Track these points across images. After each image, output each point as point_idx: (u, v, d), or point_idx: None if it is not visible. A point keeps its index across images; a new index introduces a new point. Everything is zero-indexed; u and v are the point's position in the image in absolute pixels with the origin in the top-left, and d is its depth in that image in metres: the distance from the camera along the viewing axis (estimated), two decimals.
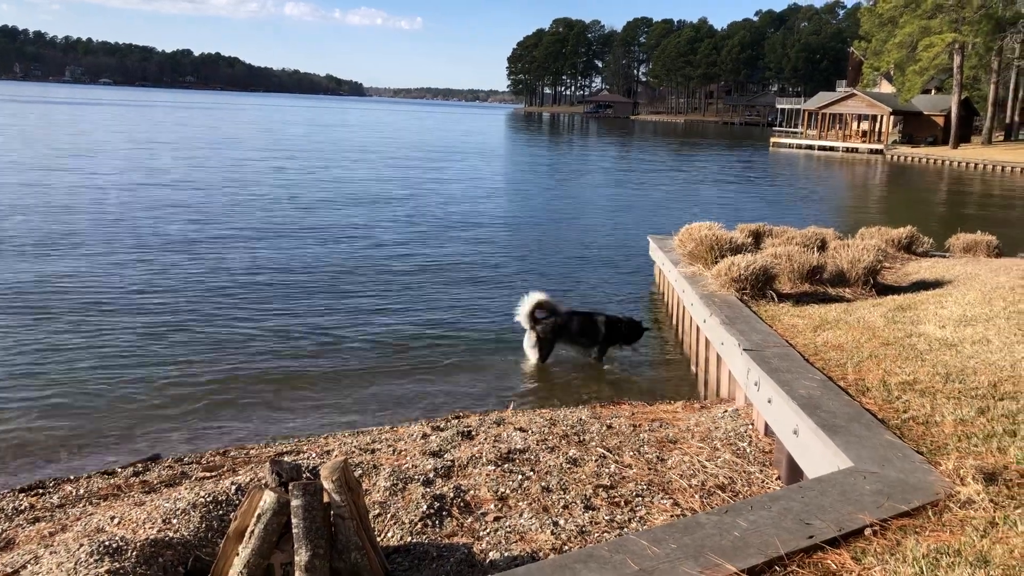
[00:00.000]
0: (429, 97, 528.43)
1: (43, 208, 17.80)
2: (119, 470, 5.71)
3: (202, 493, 4.37)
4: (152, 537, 3.81)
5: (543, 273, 13.68)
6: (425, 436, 5.76)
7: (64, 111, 76.34)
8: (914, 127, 66.77)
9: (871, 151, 61.72)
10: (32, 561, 3.66)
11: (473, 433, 5.69)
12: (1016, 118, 67.23)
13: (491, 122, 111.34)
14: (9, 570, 3.64)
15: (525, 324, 8.64)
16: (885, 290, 8.93)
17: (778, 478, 4.84)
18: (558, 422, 5.91)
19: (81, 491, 5.24)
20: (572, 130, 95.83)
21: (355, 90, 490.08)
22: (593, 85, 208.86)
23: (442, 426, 6.14)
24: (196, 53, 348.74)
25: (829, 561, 3.03)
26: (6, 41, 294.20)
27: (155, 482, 5.35)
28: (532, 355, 8.74)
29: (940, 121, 65.16)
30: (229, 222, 17.28)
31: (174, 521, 4.09)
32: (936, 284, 9.14)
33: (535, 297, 8.60)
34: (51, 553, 3.67)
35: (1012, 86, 65.43)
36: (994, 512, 3.32)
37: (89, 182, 22.97)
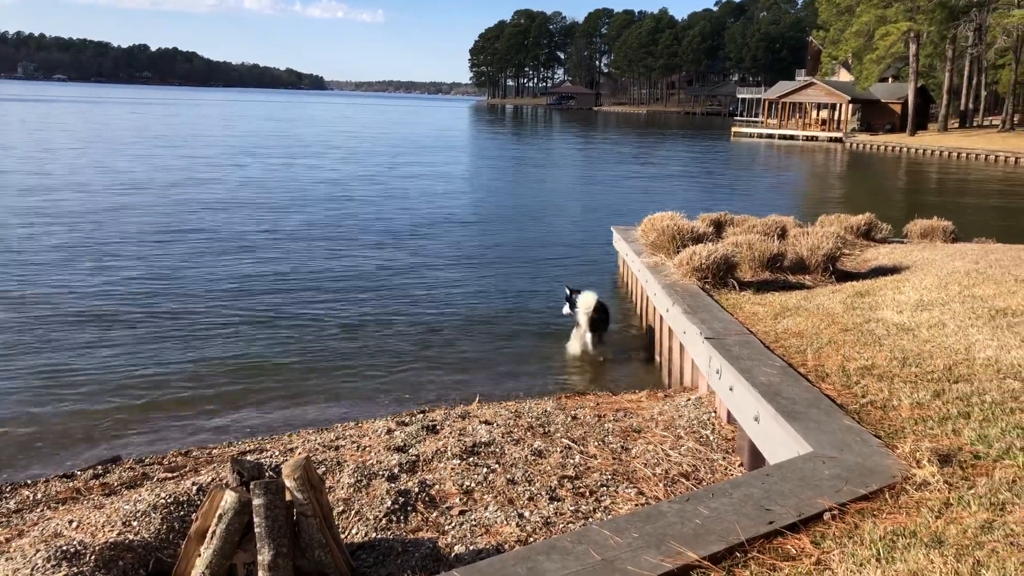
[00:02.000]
0: (391, 90, 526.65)
1: None
2: (79, 473, 5.62)
3: (163, 494, 4.32)
4: (112, 540, 3.76)
5: (506, 266, 13.68)
6: (390, 431, 5.74)
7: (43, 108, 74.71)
8: (872, 115, 67.73)
9: (830, 139, 62.52)
10: None
11: (438, 427, 5.68)
12: (970, 105, 68.48)
13: (454, 115, 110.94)
14: None
15: (582, 319, 8.72)
16: (844, 276, 9.05)
17: (740, 465, 4.90)
18: (523, 414, 5.92)
19: (39, 495, 5.15)
20: (536, 122, 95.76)
21: (316, 84, 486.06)
22: (556, 77, 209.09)
23: (407, 421, 6.13)
24: (153, 48, 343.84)
25: (789, 546, 3.07)
26: None
27: (116, 484, 5.27)
28: (579, 347, 8.84)
29: (897, 109, 66.23)
30: (189, 221, 17.04)
31: (134, 523, 4.04)
32: (894, 270, 9.28)
33: (593, 296, 8.68)
34: (7, 560, 3.60)
35: (966, 74, 66.65)
36: (948, 493, 3.38)
37: (44, 182, 22.52)
